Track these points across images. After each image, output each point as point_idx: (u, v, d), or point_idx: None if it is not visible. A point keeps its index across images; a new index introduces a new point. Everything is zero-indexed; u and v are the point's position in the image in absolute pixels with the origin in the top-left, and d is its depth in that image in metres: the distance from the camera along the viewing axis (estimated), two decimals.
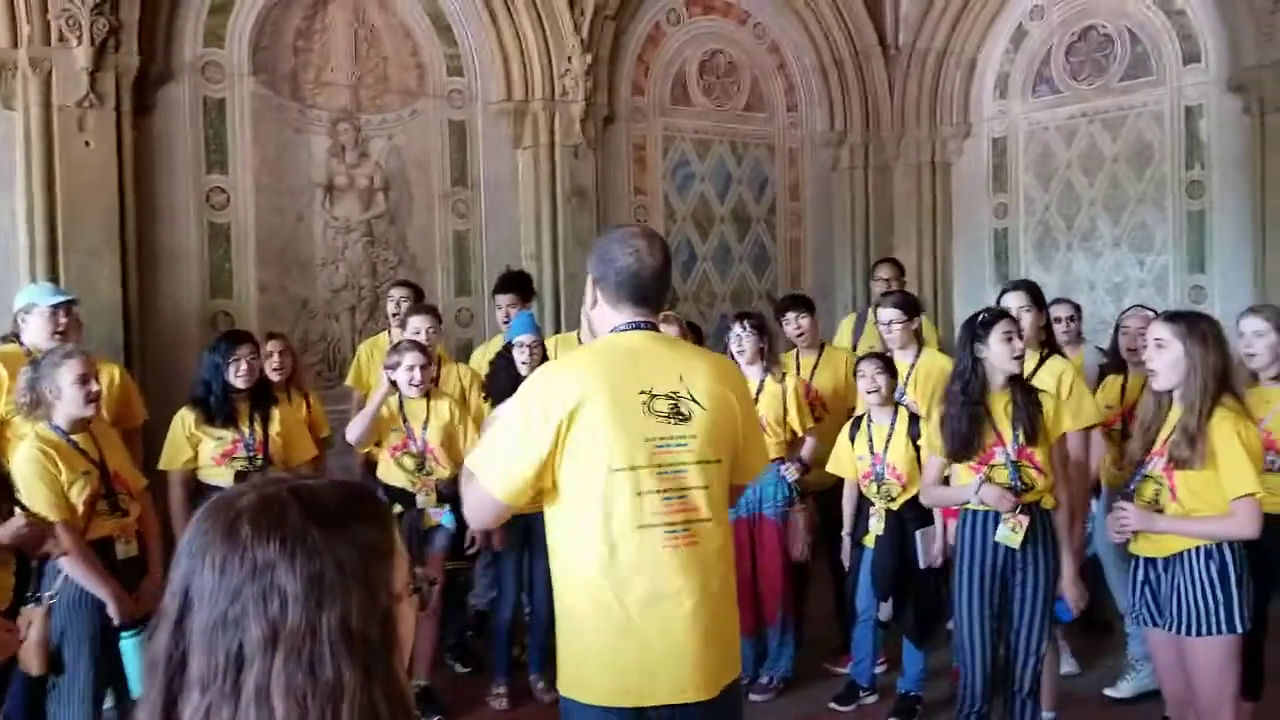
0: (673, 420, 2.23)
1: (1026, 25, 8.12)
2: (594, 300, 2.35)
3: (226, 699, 1.02)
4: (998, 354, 3.61)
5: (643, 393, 2.21)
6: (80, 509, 3.47)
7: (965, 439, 3.61)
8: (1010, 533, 3.59)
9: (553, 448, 2.18)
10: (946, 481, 3.84)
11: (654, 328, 2.33)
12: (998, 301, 4.39)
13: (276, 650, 1.03)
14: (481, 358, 5.62)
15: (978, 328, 3.67)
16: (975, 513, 3.67)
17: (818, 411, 5.07)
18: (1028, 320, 4.20)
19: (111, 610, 3.44)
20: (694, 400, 2.25)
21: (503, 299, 5.66)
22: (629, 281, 2.27)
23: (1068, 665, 4.91)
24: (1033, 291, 4.54)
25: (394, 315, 5.55)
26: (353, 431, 4.57)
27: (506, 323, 5.53)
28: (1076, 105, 7.84)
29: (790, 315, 5.44)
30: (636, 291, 2.28)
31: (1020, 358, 3.66)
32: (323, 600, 1.04)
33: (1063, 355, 4.51)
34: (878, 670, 4.76)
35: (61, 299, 4.35)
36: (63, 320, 4.26)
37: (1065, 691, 4.69)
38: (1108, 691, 4.69)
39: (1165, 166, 7.40)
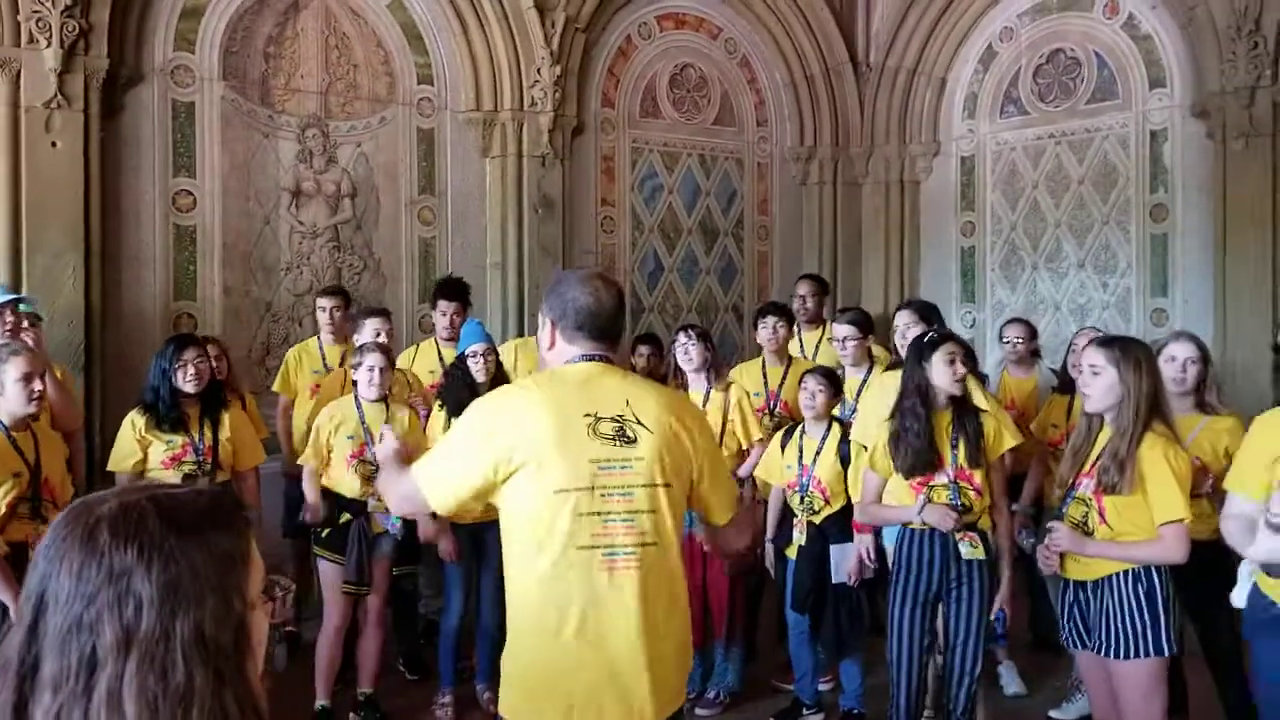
0: (617, 442, 2.24)
1: (996, 46, 8.21)
2: (551, 341, 2.38)
3: (78, 701, 1.05)
4: (940, 375, 3.68)
5: (587, 415, 2.24)
6: (1, 509, 3.47)
7: (918, 455, 3.65)
8: (971, 548, 3.65)
9: (490, 473, 2.22)
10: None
11: (608, 360, 2.36)
12: (892, 318, 4.52)
13: (129, 655, 1.05)
14: (409, 361, 5.64)
15: (924, 348, 3.73)
16: (914, 531, 3.72)
17: (785, 423, 5.07)
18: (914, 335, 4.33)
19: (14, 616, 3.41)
20: (640, 424, 2.26)
21: (446, 306, 5.66)
22: (587, 319, 2.31)
23: (1014, 686, 4.96)
24: (922, 311, 4.65)
25: (325, 325, 5.57)
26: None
27: (449, 329, 5.55)
28: (1044, 126, 7.92)
29: (770, 320, 5.37)
30: (594, 328, 2.32)
31: (962, 380, 3.72)
32: (177, 607, 1.07)
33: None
34: (822, 687, 4.79)
35: (7, 298, 4.36)
36: (9, 319, 4.27)
37: (1012, 712, 4.76)
38: (1053, 714, 4.72)
39: (1130, 189, 7.48)
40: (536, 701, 2.25)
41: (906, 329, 4.63)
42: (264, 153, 6.33)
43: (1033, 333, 5.91)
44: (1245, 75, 6.54)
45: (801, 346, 6.01)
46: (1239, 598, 3.23)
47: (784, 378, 5.33)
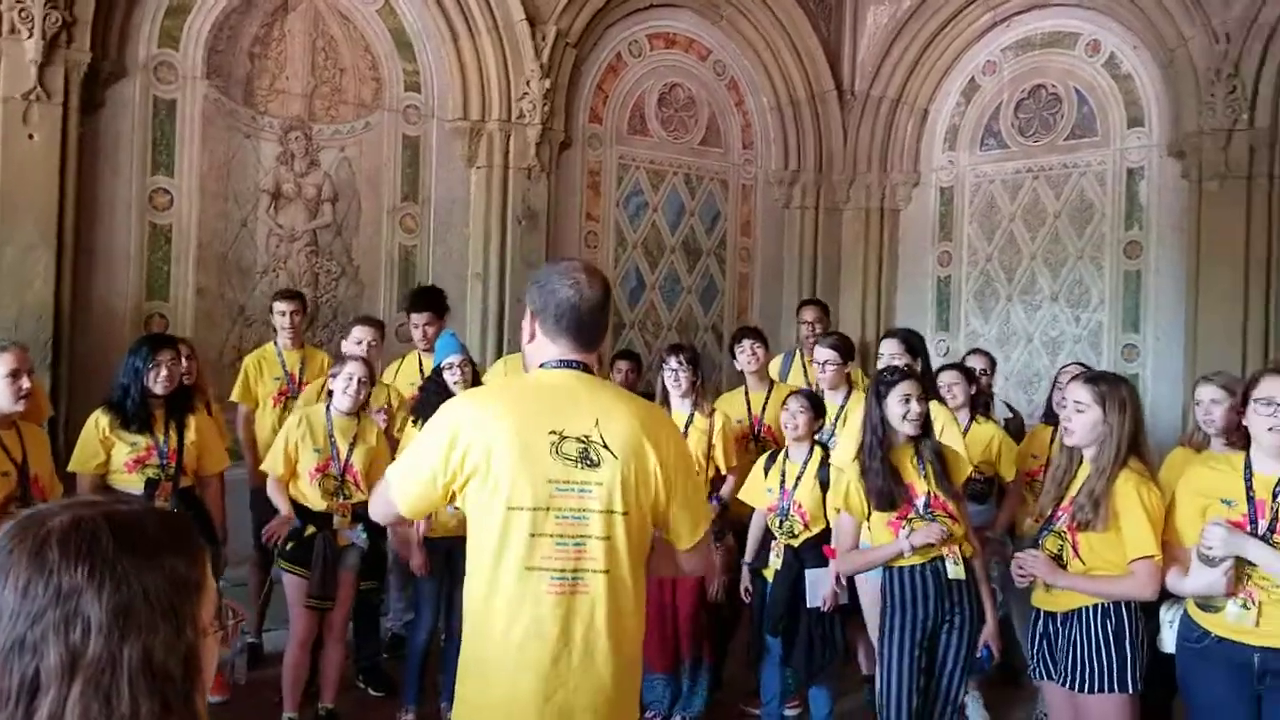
0: (579, 465, 2.16)
1: (979, 79, 8.29)
2: (531, 334, 2.31)
3: None
4: (894, 415, 3.70)
5: (552, 433, 2.16)
6: None
7: (886, 492, 3.66)
8: (955, 565, 3.63)
9: (450, 479, 2.17)
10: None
11: (585, 367, 2.28)
12: (877, 347, 4.53)
13: (74, 679, 1.01)
14: (394, 375, 5.58)
15: (879, 386, 3.75)
16: (904, 569, 3.68)
17: (769, 447, 5.05)
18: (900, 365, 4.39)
19: None
20: (606, 447, 2.18)
21: (417, 318, 5.61)
22: (568, 314, 2.24)
23: (979, 717, 4.96)
24: (908, 340, 4.66)
25: (284, 329, 5.43)
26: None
27: (423, 340, 5.49)
28: (1022, 160, 8.01)
29: (746, 344, 5.36)
30: (574, 325, 2.25)
31: (917, 420, 3.71)
32: (126, 632, 1.03)
33: (979, 403, 4.60)
34: (789, 713, 4.77)
35: None
36: None
37: None
38: None
39: (1105, 225, 7.56)
40: (480, 706, 2.20)
41: (892, 359, 4.64)
42: (245, 154, 6.27)
43: (992, 364, 5.91)
44: (1223, 118, 6.65)
45: (805, 371, 6.01)
46: (1168, 643, 3.30)
47: (766, 401, 5.33)
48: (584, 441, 2.18)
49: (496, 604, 2.17)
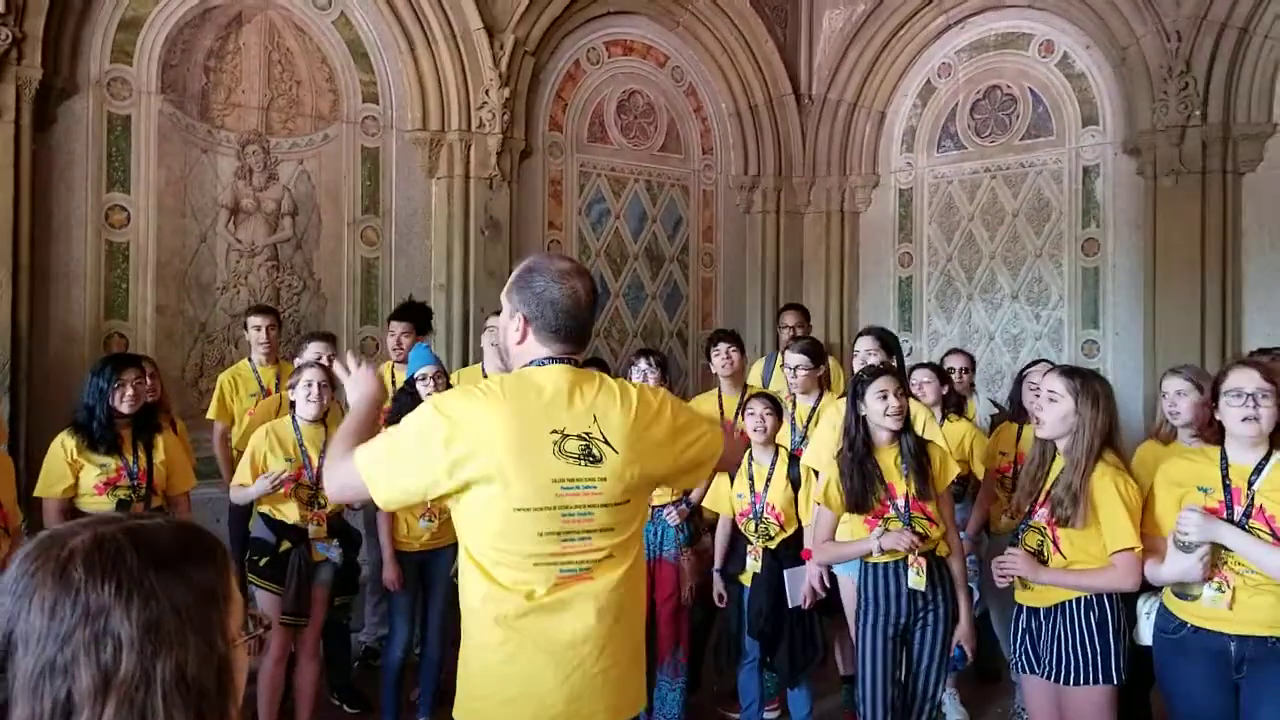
0: (583, 462, 2.17)
1: (935, 82, 8.38)
2: (522, 336, 2.27)
3: None
4: (873, 412, 3.71)
5: (554, 432, 2.16)
6: None
7: (859, 494, 3.67)
8: (917, 576, 3.65)
9: (445, 480, 2.13)
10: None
11: (576, 363, 2.28)
12: (853, 345, 4.55)
13: (108, 699, 0.98)
14: None
15: (857, 385, 3.76)
16: (877, 565, 3.71)
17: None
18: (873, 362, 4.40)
19: None
20: (607, 443, 2.20)
21: (396, 326, 5.57)
22: (565, 319, 2.22)
23: (957, 714, 4.99)
24: (882, 338, 4.68)
25: (259, 344, 5.40)
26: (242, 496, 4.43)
27: (398, 349, 5.45)
28: (979, 161, 8.10)
29: (722, 347, 5.34)
30: (571, 327, 2.23)
31: (898, 414, 3.73)
32: (159, 647, 1.00)
33: (952, 402, 4.64)
34: (768, 715, 4.77)
35: None
36: None
37: None
38: None
39: (1062, 223, 7.67)
40: (485, 701, 2.20)
41: (867, 355, 4.67)
42: (202, 169, 6.18)
43: (972, 363, 6.00)
44: (1176, 114, 6.77)
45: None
46: (1144, 635, 3.34)
47: (740, 406, 5.30)
48: (585, 438, 2.18)
49: (505, 599, 2.16)
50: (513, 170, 7.12)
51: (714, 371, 5.42)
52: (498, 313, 5.72)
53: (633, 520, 2.29)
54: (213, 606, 1.06)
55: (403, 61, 6.82)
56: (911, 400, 4.38)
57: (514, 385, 2.24)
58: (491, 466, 2.12)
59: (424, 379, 4.55)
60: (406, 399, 4.55)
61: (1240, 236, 6.82)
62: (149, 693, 0.99)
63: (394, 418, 4.62)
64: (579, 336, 2.27)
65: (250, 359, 5.47)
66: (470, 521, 2.19)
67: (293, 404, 4.47)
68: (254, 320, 5.42)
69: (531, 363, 2.26)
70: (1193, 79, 6.71)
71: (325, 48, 6.61)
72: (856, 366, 4.71)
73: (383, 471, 2.16)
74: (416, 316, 5.61)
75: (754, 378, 6.42)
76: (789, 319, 6.56)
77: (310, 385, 4.38)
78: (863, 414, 3.72)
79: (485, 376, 5.08)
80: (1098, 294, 7.51)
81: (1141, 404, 6.75)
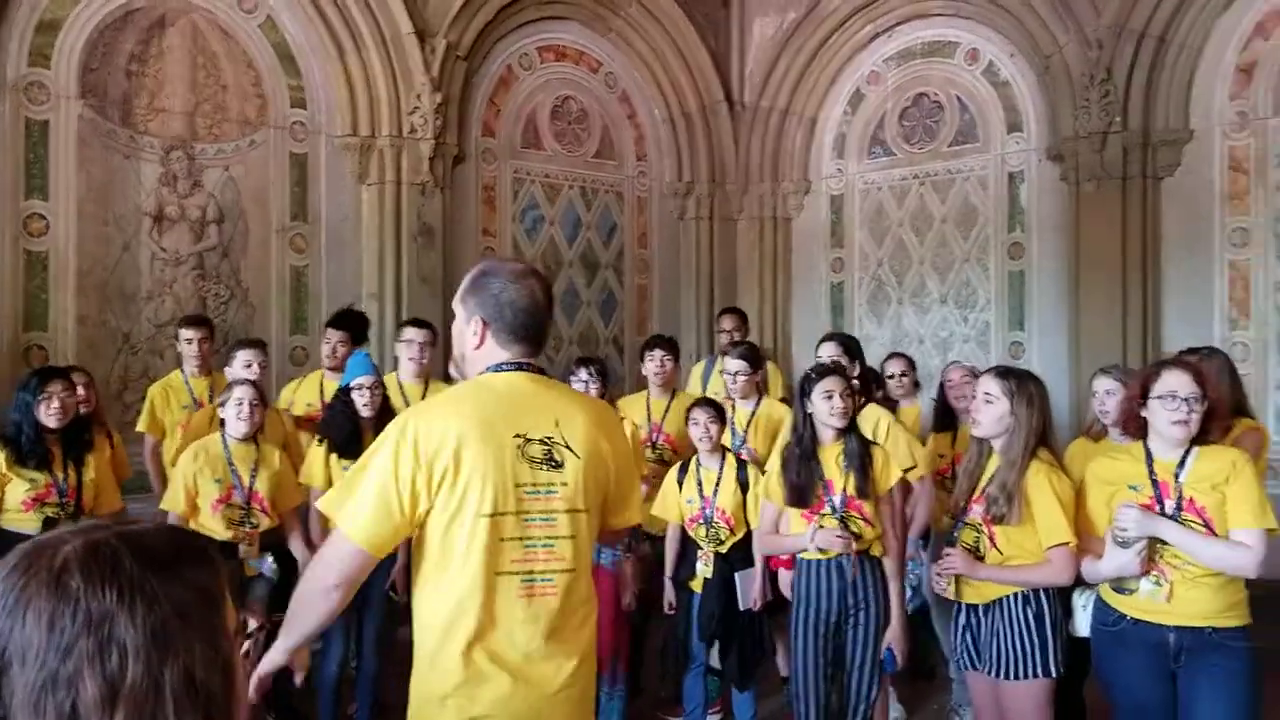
0: (545, 466, 2.16)
1: (864, 89, 8.50)
2: (480, 340, 2.23)
3: None
4: (819, 410, 3.75)
5: (517, 436, 2.14)
6: None
7: (799, 489, 3.71)
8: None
9: (423, 492, 2.08)
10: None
11: (535, 368, 2.26)
12: (816, 350, 4.60)
13: (116, 709, 0.94)
14: (292, 394, 5.42)
15: (804, 384, 3.80)
16: (811, 562, 3.75)
17: (667, 455, 5.07)
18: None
19: None
20: (568, 447, 2.19)
21: (333, 334, 5.47)
22: (524, 321, 2.19)
23: (894, 711, 5.03)
24: (846, 344, 4.73)
25: (190, 357, 5.26)
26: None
27: (332, 357, 5.36)
28: (908, 167, 8.24)
29: (656, 353, 5.35)
30: (530, 326, 2.21)
31: (842, 414, 3.77)
32: (165, 653, 0.97)
33: (884, 406, 4.69)
34: (711, 719, 4.77)
35: None
36: None
37: None
38: None
39: (989, 228, 7.83)
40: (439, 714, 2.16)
41: (830, 360, 4.63)
42: (124, 175, 6.02)
43: (912, 366, 6.08)
44: (1097, 121, 6.95)
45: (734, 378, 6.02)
46: (1081, 626, 3.40)
47: (667, 410, 5.33)
48: (547, 443, 2.17)
49: (465, 609, 2.11)
50: (445, 176, 7.05)
51: (647, 376, 5.43)
52: (412, 322, 5.61)
53: (593, 533, 2.27)
54: (212, 607, 1.03)
55: (331, 66, 6.72)
56: (874, 406, 4.48)
57: (475, 390, 2.22)
58: (454, 471, 2.09)
59: (360, 389, 4.46)
60: (340, 406, 4.47)
61: (1160, 240, 7.03)
62: (158, 700, 0.96)
63: (325, 424, 4.55)
64: (537, 337, 2.25)
65: (182, 370, 5.32)
66: (432, 533, 2.14)
67: (223, 421, 4.35)
68: (185, 333, 5.28)
69: (489, 368, 2.23)
70: (1113, 86, 6.90)
71: (252, 52, 6.49)
72: None
73: (359, 512, 2.08)
74: (354, 326, 5.50)
75: (694, 381, 6.44)
76: (726, 323, 6.58)
77: (241, 403, 4.26)
78: (809, 411, 3.76)
79: (400, 386, 5.04)
80: (1023, 297, 7.68)
81: (1067, 403, 6.91)
